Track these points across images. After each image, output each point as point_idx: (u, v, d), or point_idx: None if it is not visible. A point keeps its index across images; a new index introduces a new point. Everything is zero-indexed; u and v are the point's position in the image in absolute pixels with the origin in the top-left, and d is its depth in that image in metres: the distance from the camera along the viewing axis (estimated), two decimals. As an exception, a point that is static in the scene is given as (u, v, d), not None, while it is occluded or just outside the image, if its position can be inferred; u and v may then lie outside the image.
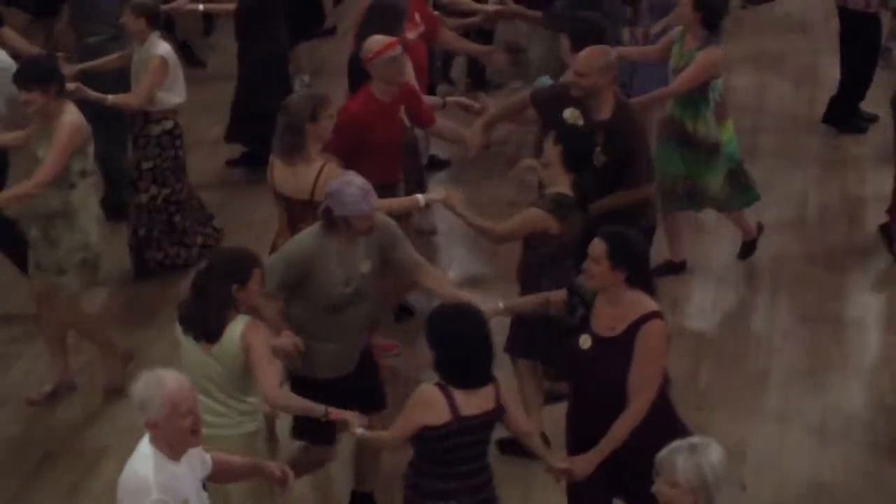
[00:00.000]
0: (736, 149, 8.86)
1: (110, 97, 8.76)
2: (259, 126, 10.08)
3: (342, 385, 6.64)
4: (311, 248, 6.56)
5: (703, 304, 8.91)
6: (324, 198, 6.68)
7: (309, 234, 6.63)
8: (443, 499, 5.85)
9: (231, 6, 10.32)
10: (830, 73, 11.58)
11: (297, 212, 7.30)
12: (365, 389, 6.79)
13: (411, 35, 8.86)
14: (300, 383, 6.64)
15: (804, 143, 10.79)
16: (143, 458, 5.22)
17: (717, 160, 8.67)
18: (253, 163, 10.46)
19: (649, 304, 5.95)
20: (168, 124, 8.90)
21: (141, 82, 8.76)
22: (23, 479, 7.51)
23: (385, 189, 7.37)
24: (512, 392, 6.99)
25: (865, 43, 10.61)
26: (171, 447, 5.19)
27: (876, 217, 9.67)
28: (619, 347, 5.88)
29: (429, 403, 5.75)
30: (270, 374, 6.05)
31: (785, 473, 7.43)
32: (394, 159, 7.96)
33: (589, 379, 6.02)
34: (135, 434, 7.63)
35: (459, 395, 5.74)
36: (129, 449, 7.52)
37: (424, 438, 5.78)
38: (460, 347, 5.77)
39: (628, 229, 6.11)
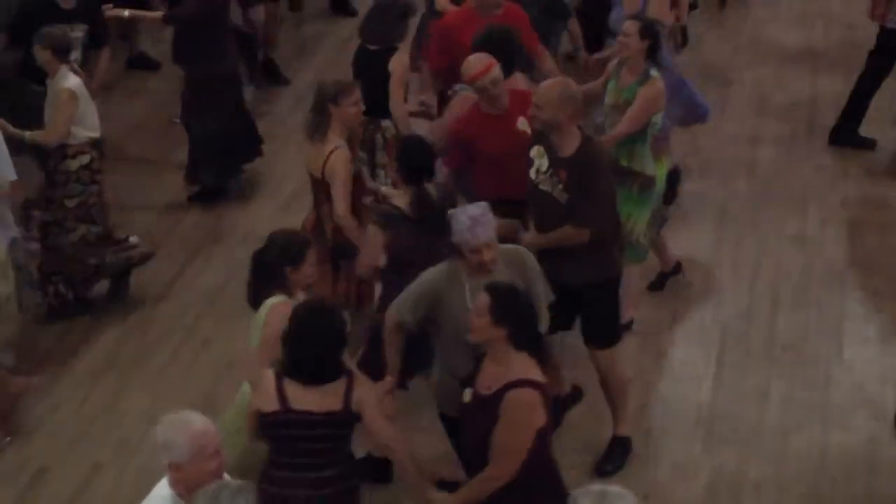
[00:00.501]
0: (662, 192, 8.51)
1: (28, 134, 8.47)
2: (210, 154, 9.92)
3: None
4: (440, 276, 6.47)
5: (702, 317, 8.85)
6: (332, 179, 7.32)
7: (443, 263, 6.54)
8: (271, 484, 5.88)
9: (157, 15, 9.97)
10: (830, 86, 11.55)
11: (319, 191, 7.62)
12: None
13: None
14: (445, 421, 6.54)
15: (804, 156, 10.73)
16: (160, 501, 5.10)
17: (649, 194, 8.25)
18: (208, 198, 10.12)
19: (527, 371, 5.74)
20: (85, 158, 8.52)
21: (53, 118, 8.46)
22: (17, 494, 7.45)
23: (511, 205, 7.38)
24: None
25: (885, 59, 10.53)
26: (191, 491, 5.01)
27: (876, 229, 9.63)
28: (489, 407, 5.73)
29: (262, 390, 5.85)
30: (263, 357, 6.20)
31: (785, 487, 7.39)
32: (514, 173, 7.54)
33: (465, 433, 5.99)
34: (128, 449, 7.69)
35: (293, 388, 5.78)
36: (123, 464, 7.58)
37: (260, 424, 5.86)
38: (301, 340, 5.79)
39: (518, 286, 6.00)
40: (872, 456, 7.59)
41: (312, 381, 5.79)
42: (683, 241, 9.34)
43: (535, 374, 5.76)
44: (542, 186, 7.19)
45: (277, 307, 6.29)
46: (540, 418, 5.73)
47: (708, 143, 10.69)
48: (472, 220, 6.32)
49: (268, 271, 6.44)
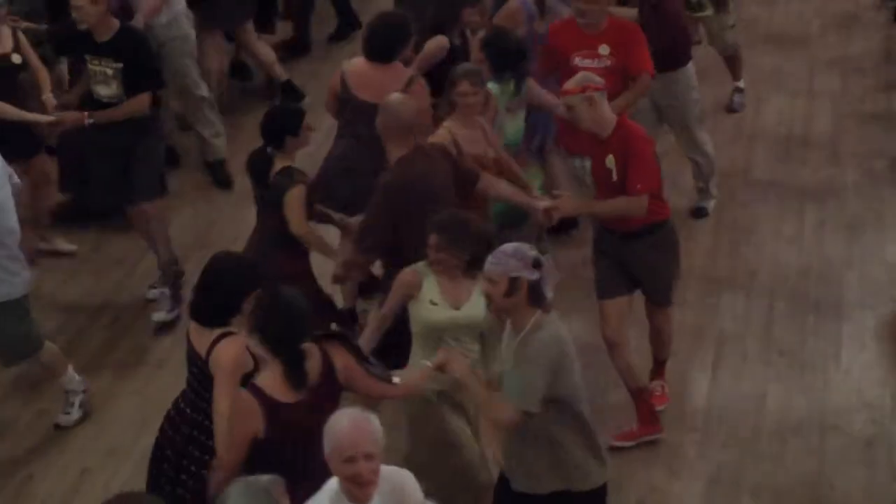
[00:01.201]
0: (504, 211, 7.90)
1: None
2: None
3: None
4: None
5: (698, 322, 8.80)
6: None
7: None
8: (174, 405, 6.36)
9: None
10: (827, 85, 11.51)
11: None
12: None
13: (582, 62, 8.41)
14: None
15: (801, 157, 10.70)
16: (326, 493, 5.01)
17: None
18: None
19: (266, 379, 5.66)
20: None
21: None
22: (5, 500, 7.41)
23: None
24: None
25: None
26: (347, 489, 4.94)
27: (873, 232, 9.59)
28: None
29: None
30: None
31: (782, 493, 7.36)
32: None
33: None
34: (117, 454, 7.63)
35: (192, 323, 6.19)
36: (111, 471, 7.54)
37: None
38: (201, 277, 6.21)
39: (285, 287, 5.83)
40: (871, 460, 7.55)
41: (193, 316, 6.17)
42: (680, 246, 9.27)
43: (273, 384, 5.63)
44: None
45: (407, 274, 6.59)
46: (254, 427, 5.58)
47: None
48: (497, 251, 5.79)
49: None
